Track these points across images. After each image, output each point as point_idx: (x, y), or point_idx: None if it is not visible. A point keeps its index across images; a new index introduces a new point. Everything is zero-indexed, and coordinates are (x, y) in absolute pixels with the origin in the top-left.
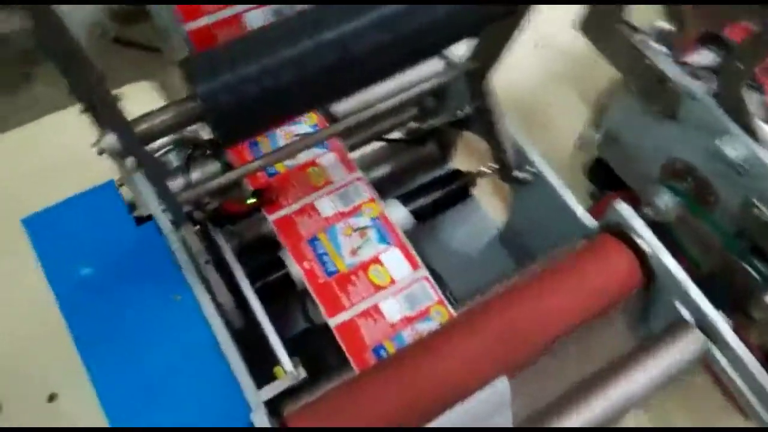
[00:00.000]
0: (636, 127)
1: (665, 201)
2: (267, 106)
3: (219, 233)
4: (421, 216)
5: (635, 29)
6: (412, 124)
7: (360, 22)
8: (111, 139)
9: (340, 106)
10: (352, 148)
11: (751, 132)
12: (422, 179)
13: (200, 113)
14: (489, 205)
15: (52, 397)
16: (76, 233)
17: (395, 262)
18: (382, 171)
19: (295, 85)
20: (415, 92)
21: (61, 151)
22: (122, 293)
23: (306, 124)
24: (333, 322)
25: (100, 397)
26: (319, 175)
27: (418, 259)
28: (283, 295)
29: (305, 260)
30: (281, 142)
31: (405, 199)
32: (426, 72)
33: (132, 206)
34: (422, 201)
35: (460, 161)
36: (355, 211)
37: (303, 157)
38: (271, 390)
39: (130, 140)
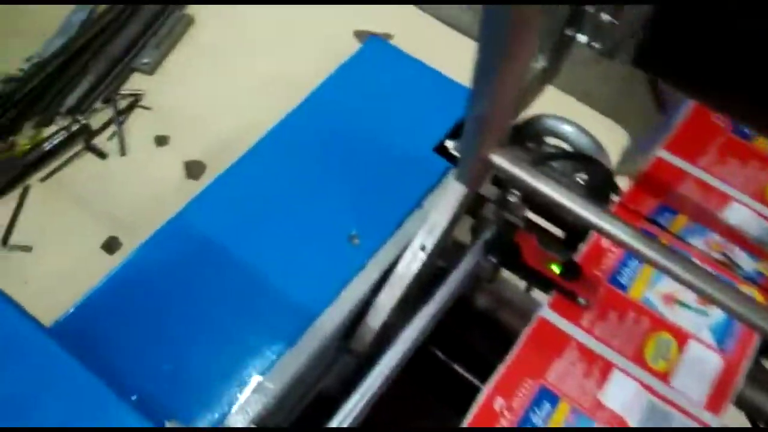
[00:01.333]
0: None
1: None
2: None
3: (477, 250)
4: None
5: None
6: None
7: None
8: None
9: None
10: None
11: None
12: None
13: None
14: None
15: None
16: (393, 91)
17: None
18: None
19: None
20: None
21: None
22: (337, 163)
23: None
24: None
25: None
26: (664, 354)
27: None
28: (436, 387)
29: (505, 398)
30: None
31: None
32: None
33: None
34: None
35: None
36: None
37: (678, 314)
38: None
39: None
